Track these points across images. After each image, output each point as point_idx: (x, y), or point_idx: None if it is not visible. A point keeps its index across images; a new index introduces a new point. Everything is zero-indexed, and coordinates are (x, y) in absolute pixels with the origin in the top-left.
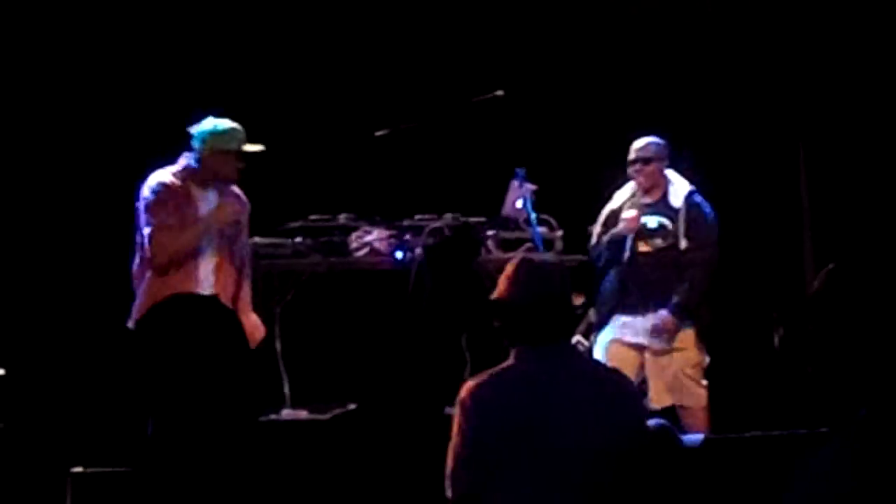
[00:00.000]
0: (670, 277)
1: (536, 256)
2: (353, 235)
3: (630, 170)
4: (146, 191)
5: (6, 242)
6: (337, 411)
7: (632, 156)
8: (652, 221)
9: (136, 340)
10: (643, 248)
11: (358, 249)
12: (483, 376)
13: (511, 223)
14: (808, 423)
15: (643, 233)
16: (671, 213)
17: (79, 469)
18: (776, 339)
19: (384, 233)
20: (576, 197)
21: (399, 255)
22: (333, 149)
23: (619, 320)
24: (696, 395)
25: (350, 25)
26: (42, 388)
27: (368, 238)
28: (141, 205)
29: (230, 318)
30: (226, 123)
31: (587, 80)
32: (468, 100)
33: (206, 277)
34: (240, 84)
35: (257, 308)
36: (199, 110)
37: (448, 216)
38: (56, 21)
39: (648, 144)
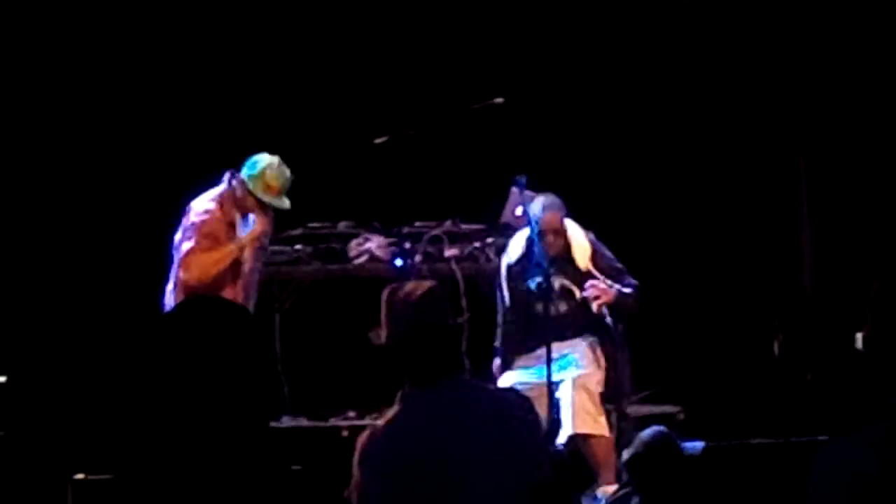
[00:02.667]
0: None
1: (401, 288)
2: (353, 243)
3: (539, 238)
4: (191, 215)
5: (9, 248)
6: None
7: (542, 227)
8: (555, 283)
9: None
10: (549, 310)
11: (357, 257)
12: (373, 428)
13: (511, 230)
14: (808, 431)
15: (538, 294)
16: (577, 274)
17: (80, 476)
18: (776, 347)
19: (383, 240)
20: (576, 204)
21: (398, 262)
22: (333, 156)
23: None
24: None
25: (349, 32)
26: (43, 396)
27: (368, 245)
28: (183, 227)
29: (253, 324)
30: (268, 168)
31: (588, 87)
32: (467, 107)
33: (238, 292)
34: (239, 91)
35: (257, 315)
36: (203, 122)
37: (448, 223)
38: (100, 40)
39: (556, 209)
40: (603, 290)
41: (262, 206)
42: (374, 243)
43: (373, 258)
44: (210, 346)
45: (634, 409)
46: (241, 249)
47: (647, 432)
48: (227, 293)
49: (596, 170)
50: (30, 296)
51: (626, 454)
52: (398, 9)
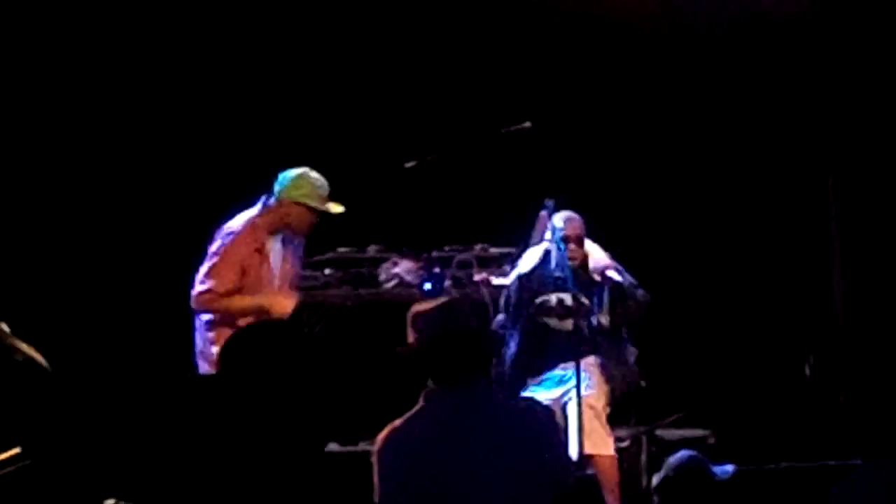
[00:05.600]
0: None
1: (429, 302)
2: (382, 267)
3: (564, 243)
4: (218, 239)
5: (43, 269)
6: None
7: (567, 232)
8: (569, 298)
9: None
10: (560, 326)
11: (387, 281)
12: (396, 423)
13: None
14: (840, 454)
15: (559, 310)
16: (592, 288)
17: (111, 501)
18: (807, 370)
19: (413, 264)
20: (605, 226)
21: (428, 286)
22: (362, 180)
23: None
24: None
25: (378, 58)
26: (75, 420)
27: (397, 269)
28: (210, 250)
29: (315, 348)
30: (312, 176)
31: (616, 111)
32: (496, 131)
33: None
34: (269, 116)
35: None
36: (233, 147)
37: (477, 247)
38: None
39: (578, 221)
40: (609, 264)
41: (318, 214)
42: (404, 267)
43: (402, 282)
44: (273, 371)
45: (665, 433)
46: (264, 310)
47: (676, 456)
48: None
49: (624, 193)
50: (64, 317)
51: (655, 478)
52: (426, 34)
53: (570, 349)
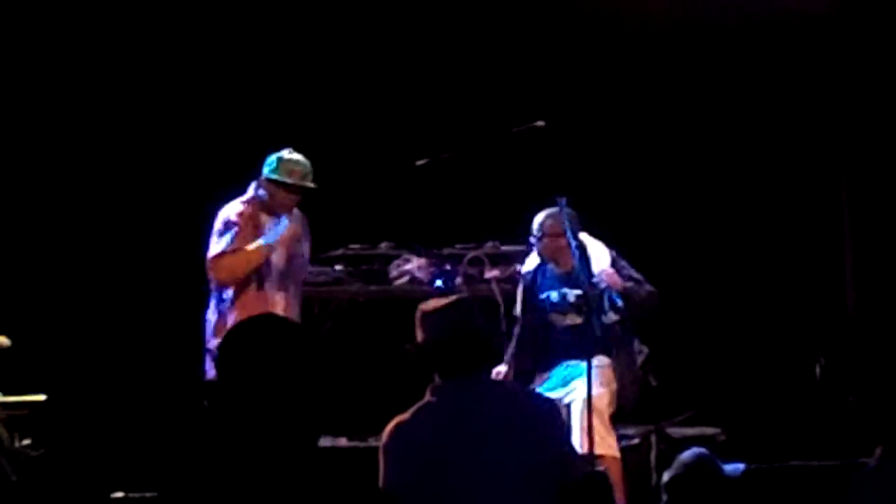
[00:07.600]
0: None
1: (437, 301)
2: (393, 264)
3: (538, 245)
4: (218, 222)
5: (48, 266)
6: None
7: (546, 230)
8: (572, 294)
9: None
10: (564, 322)
11: (398, 278)
12: (402, 416)
13: None
14: (849, 454)
15: (564, 306)
16: (595, 288)
17: (119, 494)
18: (817, 369)
19: (424, 261)
20: (616, 225)
21: (439, 283)
22: (374, 178)
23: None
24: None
25: (390, 55)
26: (83, 413)
27: (408, 266)
28: (213, 233)
29: (310, 342)
30: (286, 155)
31: (628, 110)
32: (508, 130)
33: (277, 301)
34: (279, 112)
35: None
36: (241, 144)
37: (488, 245)
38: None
39: (555, 216)
40: (610, 274)
41: (291, 191)
42: (415, 265)
43: (413, 279)
44: (265, 366)
45: (675, 431)
46: (271, 251)
47: (686, 454)
48: (256, 298)
49: (636, 192)
50: (70, 314)
51: (665, 476)
52: (440, 33)
53: (574, 346)
